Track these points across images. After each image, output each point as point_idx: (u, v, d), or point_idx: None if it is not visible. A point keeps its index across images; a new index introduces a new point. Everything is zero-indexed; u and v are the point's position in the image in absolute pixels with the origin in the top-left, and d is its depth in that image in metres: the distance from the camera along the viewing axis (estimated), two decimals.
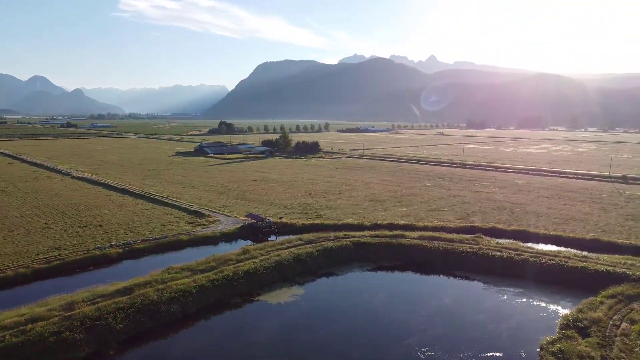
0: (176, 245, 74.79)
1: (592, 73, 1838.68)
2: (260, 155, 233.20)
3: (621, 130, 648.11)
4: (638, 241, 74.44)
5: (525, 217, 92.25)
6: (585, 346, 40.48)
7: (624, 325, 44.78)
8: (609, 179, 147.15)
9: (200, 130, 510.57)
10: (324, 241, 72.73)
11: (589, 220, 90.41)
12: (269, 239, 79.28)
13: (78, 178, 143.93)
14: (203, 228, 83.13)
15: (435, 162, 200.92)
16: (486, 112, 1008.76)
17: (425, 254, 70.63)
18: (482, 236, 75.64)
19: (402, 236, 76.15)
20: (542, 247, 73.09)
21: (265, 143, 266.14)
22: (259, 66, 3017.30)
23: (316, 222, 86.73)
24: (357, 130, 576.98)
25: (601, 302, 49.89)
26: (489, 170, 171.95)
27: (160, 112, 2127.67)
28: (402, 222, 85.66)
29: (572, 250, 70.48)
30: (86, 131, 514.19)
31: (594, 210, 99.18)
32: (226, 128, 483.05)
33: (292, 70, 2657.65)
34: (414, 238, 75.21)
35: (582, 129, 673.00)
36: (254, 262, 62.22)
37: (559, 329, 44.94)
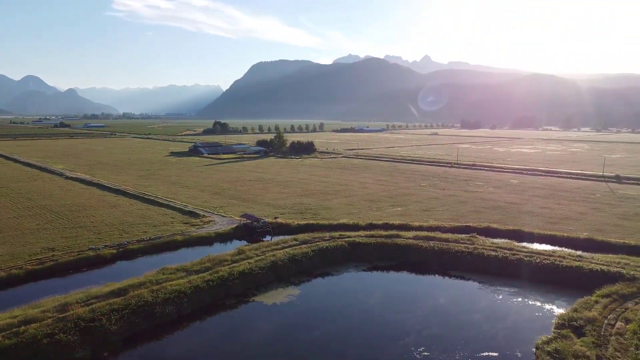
0: (171, 245, 74.47)
1: (586, 73, 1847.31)
2: (255, 155, 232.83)
3: (614, 130, 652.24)
4: (631, 240, 74.86)
5: (520, 217, 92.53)
6: (581, 345, 40.58)
7: (618, 324, 44.94)
8: (603, 179, 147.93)
9: (194, 130, 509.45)
10: (319, 241, 72.61)
11: (583, 219, 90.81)
12: (264, 239, 79.08)
13: (72, 178, 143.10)
14: (198, 228, 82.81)
15: (430, 162, 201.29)
16: (480, 112, 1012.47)
17: (420, 254, 70.67)
18: (477, 236, 75.80)
19: (398, 236, 76.17)
20: (536, 246, 73.30)
21: (260, 143, 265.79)
22: (253, 66, 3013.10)
23: (311, 222, 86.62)
24: (352, 130, 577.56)
25: (596, 302, 50.07)
26: (483, 170, 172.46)
27: (155, 112, 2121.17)
28: (397, 222, 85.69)
29: (566, 249, 70.75)
30: (80, 131, 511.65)
31: (588, 210, 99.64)
32: (221, 128, 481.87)
33: (286, 70, 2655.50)
34: (409, 238, 75.24)
35: (576, 129, 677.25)
36: (249, 263, 62.02)
37: (555, 328, 45.07)
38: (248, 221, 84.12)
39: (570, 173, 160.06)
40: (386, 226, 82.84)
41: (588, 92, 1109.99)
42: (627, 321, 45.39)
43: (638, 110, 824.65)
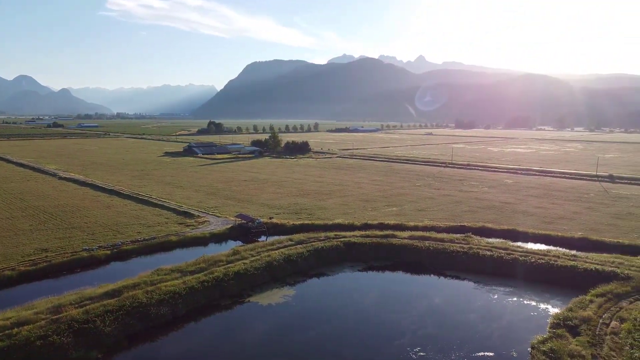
0: (165, 246, 74.09)
1: (578, 74, 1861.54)
2: (249, 155, 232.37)
3: (607, 130, 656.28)
4: (625, 240, 75.31)
5: (515, 217, 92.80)
6: (576, 345, 40.67)
7: (613, 323, 45.09)
8: (596, 179, 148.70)
9: (189, 130, 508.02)
10: (314, 241, 72.47)
11: (577, 219, 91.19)
12: (259, 239, 78.84)
13: (65, 179, 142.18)
14: (192, 229, 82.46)
15: (424, 161, 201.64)
16: (474, 112, 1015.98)
17: (415, 254, 70.68)
18: (472, 235, 75.93)
19: (393, 236, 76.16)
20: (531, 246, 73.50)
21: (255, 143, 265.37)
22: (248, 66, 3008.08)
23: (306, 222, 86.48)
24: (347, 130, 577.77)
25: (591, 301, 50.24)
26: (477, 169, 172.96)
27: (149, 112, 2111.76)
28: (392, 222, 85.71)
29: (561, 249, 71.03)
30: (73, 131, 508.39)
31: (582, 209, 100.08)
32: (215, 128, 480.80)
33: (281, 70, 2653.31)
34: (404, 238, 75.24)
35: (569, 129, 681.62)
36: (244, 263, 61.77)
37: (550, 328, 45.14)
38: (243, 221, 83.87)
39: (564, 173, 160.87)
40: (381, 226, 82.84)
41: (581, 92, 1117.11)
42: (622, 320, 45.56)
43: (631, 110, 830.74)
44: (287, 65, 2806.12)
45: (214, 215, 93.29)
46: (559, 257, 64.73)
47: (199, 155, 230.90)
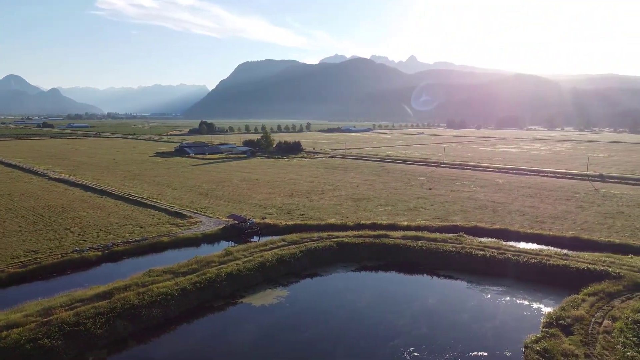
0: (157, 247, 73.50)
1: (568, 74, 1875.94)
2: (242, 156, 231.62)
3: (596, 129, 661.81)
4: (616, 239, 75.88)
5: (507, 216, 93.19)
6: (569, 344, 40.79)
7: (605, 322, 45.31)
8: (587, 178, 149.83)
9: (180, 130, 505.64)
10: (307, 242, 72.24)
11: (569, 218, 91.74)
12: (251, 240, 78.49)
13: (55, 179, 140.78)
14: (184, 229, 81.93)
15: (416, 161, 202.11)
16: (466, 111, 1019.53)
17: (408, 254, 70.69)
18: (465, 235, 76.09)
19: (386, 236, 76.12)
20: (523, 245, 73.79)
21: (247, 143, 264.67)
22: (239, 66, 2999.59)
23: (299, 222, 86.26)
24: (339, 130, 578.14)
25: (583, 300, 50.45)
26: (469, 169, 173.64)
27: (140, 112, 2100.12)
28: (385, 221, 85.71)
29: (553, 248, 71.36)
30: (63, 131, 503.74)
31: (573, 209, 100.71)
32: (207, 128, 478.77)
33: (273, 70, 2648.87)
34: (397, 238, 75.24)
35: (559, 129, 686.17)
36: (237, 264, 61.42)
37: (543, 327, 45.26)
38: (235, 222, 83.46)
39: (555, 172, 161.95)
40: (374, 226, 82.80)
41: (570, 93, 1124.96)
42: (614, 319, 45.79)
43: (619, 110, 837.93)
44: (279, 65, 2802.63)
45: (206, 215, 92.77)
46: (551, 256, 65.03)
47: (191, 155, 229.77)
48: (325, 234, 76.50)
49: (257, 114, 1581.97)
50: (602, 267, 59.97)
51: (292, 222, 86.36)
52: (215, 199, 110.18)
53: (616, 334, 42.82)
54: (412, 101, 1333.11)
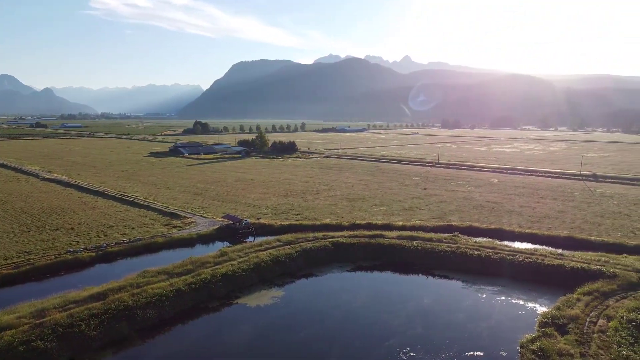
0: (151, 247, 73.07)
1: (561, 74, 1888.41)
2: (236, 156, 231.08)
3: (590, 129, 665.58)
4: (610, 238, 76.21)
5: (501, 216, 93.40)
6: (565, 344, 40.86)
7: (600, 322, 45.43)
8: (580, 178, 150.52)
9: (174, 130, 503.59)
10: (302, 242, 72.09)
11: (563, 218, 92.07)
12: (246, 240, 78.20)
13: (48, 180, 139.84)
14: (179, 230, 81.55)
15: (411, 161, 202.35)
16: (460, 111, 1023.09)
17: (404, 254, 70.68)
18: (460, 235, 76.20)
19: (381, 236, 76.09)
20: (518, 245, 73.99)
21: (242, 143, 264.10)
22: (234, 65, 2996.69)
23: (294, 222, 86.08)
24: (334, 130, 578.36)
25: (578, 299, 50.58)
26: (464, 169, 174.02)
27: (134, 112, 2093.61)
28: (380, 221, 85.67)
29: (547, 248, 71.58)
30: (57, 131, 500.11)
31: (567, 208, 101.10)
32: (201, 128, 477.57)
33: (267, 70, 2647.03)
34: (392, 238, 75.22)
35: (553, 129, 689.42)
36: (232, 265, 61.18)
37: (538, 326, 45.32)
38: (230, 222, 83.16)
39: (549, 172, 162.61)
40: (369, 226, 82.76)
41: (564, 93, 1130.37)
42: (609, 318, 45.93)
43: (613, 110, 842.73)
44: (274, 65, 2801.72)
45: (201, 216, 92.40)
46: (545, 256, 65.20)
47: (185, 155, 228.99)
48: (320, 234, 76.37)
49: (251, 114, 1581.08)
50: (596, 267, 60.20)
51: (287, 222, 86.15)
52: (209, 199, 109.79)
53: (611, 333, 42.94)
54: (409, 101, 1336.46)
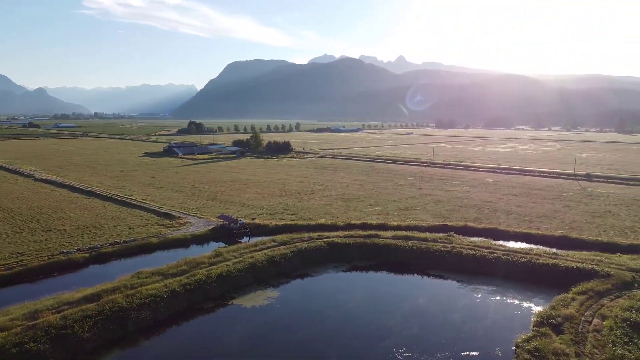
0: (146, 248, 72.66)
1: (555, 74, 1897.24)
2: (231, 156, 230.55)
3: (583, 129, 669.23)
4: (604, 237, 76.52)
5: (496, 215, 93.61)
6: (560, 343, 40.94)
7: (595, 321, 45.57)
8: (574, 177, 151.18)
9: (169, 131, 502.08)
10: (298, 242, 71.93)
11: (557, 217, 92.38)
12: (241, 240, 77.95)
13: (41, 180, 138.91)
14: (173, 230, 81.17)
15: (406, 161, 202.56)
16: (454, 111, 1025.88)
17: (399, 254, 70.66)
18: (455, 235, 76.27)
19: (376, 236, 76.04)
20: (512, 244, 74.11)
21: (236, 143, 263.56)
22: (228, 65, 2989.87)
23: (289, 222, 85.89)
24: (328, 130, 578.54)
25: (572, 299, 50.71)
26: (458, 169, 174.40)
27: (128, 112, 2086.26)
28: (375, 221, 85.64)
29: (542, 247, 71.69)
30: (50, 131, 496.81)
31: (561, 208, 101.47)
32: (196, 128, 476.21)
33: (262, 70, 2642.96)
34: (388, 238, 75.18)
35: (547, 128, 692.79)
36: (227, 265, 60.93)
37: (533, 326, 45.38)
38: (225, 222, 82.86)
39: (543, 172, 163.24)
40: (364, 226, 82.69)
41: (557, 93, 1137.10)
42: (604, 318, 46.08)
43: (605, 110, 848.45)
44: (268, 64, 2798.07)
45: (196, 216, 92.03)
46: (540, 255, 65.36)
47: (180, 155, 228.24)
48: (315, 234, 76.24)
49: (246, 114, 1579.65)
50: (590, 266, 60.41)
51: (282, 223, 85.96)
52: (204, 200, 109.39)
53: (606, 332, 43.07)
54: (407, 101, 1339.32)
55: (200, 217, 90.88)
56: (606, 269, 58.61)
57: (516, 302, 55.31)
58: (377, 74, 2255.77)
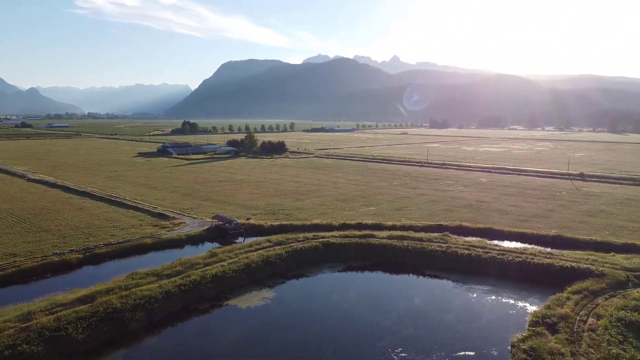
0: (140, 249, 72.20)
1: (548, 74, 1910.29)
2: (225, 156, 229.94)
3: (576, 129, 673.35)
4: (598, 237, 76.81)
5: (490, 215, 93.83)
6: (555, 342, 41.01)
7: (590, 320, 45.71)
8: (568, 177, 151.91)
9: (163, 131, 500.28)
10: (293, 242, 71.77)
11: (551, 217, 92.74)
12: (236, 241, 77.70)
13: (34, 180, 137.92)
14: (168, 231, 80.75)
15: (400, 161, 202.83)
16: (448, 111, 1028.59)
17: (394, 254, 70.64)
18: (450, 234, 76.33)
19: (371, 236, 75.98)
20: (507, 244, 74.27)
21: (231, 143, 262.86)
22: (222, 65, 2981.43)
23: (284, 223, 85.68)
24: (323, 130, 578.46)
25: (567, 298, 50.83)
26: (453, 169, 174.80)
27: (121, 112, 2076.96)
28: (370, 221, 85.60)
29: (536, 247, 71.88)
30: (43, 132, 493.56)
31: (556, 207, 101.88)
32: (190, 128, 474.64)
33: (256, 70, 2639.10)
34: (383, 238, 75.14)
35: (540, 128, 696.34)
36: (222, 266, 60.65)
37: (529, 325, 45.42)
38: (220, 223, 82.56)
39: (537, 171, 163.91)
40: (360, 226, 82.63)
41: (550, 93, 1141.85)
42: (598, 317, 46.23)
43: (598, 110, 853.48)
44: (263, 64, 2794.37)
45: (190, 216, 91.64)
46: (535, 255, 65.54)
47: (174, 155, 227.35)
48: (310, 235, 76.08)
49: (240, 114, 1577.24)
50: (585, 265, 60.64)
51: (277, 223, 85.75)
52: (199, 200, 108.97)
53: (601, 331, 43.21)
54: (404, 101, 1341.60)
55: (194, 218, 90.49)
56: (600, 268, 58.86)
57: (511, 301, 55.43)
58: (372, 73, 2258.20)
